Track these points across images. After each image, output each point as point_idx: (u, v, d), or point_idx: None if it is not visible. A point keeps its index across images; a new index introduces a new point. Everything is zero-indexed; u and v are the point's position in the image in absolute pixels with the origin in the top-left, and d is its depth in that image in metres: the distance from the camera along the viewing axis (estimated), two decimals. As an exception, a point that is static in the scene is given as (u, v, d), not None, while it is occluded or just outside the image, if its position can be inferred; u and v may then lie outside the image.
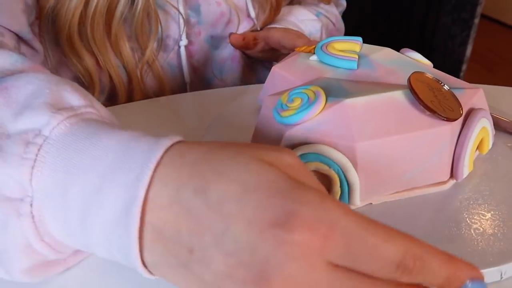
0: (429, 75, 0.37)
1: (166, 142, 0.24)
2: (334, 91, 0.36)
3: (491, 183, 0.38)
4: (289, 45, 0.62)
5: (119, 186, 0.23)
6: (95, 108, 0.29)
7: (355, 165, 0.33)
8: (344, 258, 0.21)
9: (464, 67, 1.64)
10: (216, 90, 0.60)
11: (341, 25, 0.80)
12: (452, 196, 0.36)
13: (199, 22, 0.62)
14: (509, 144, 0.43)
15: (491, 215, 0.34)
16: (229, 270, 0.21)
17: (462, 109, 0.36)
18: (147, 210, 0.23)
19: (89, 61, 0.54)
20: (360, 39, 0.43)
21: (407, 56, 0.43)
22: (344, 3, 0.83)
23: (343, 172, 0.33)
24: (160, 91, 0.62)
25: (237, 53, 0.68)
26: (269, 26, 0.68)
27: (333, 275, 0.21)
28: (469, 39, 1.58)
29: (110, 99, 0.59)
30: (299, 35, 0.64)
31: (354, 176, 0.33)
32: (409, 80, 0.35)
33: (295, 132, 0.34)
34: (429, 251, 0.22)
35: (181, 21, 0.59)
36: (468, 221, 0.34)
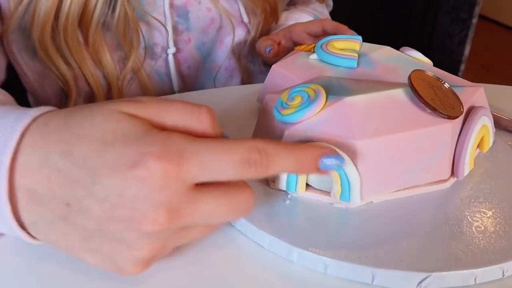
0: (429, 73, 0.37)
1: (34, 112, 0.27)
2: (335, 89, 0.36)
3: (492, 181, 0.38)
4: (317, 29, 0.59)
5: None
6: None
7: (355, 163, 0.33)
8: (203, 175, 0.25)
9: (462, 66, 1.64)
10: (215, 90, 0.59)
11: None
12: (453, 194, 0.36)
13: (188, 29, 0.60)
14: (509, 142, 0.43)
15: (493, 213, 0.34)
16: (107, 213, 0.24)
17: (462, 107, 0.36)
18: (19, 175, 0.25)
19: (65, 69, 0.54)
20: (359, 37, 0.43)
21: (407, 54, 0.43)
22: (331, 3, 0.83)
23: (343, 170, 0.33)
24: None
25: (232, 60, 0.66)
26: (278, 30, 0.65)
27: (196, 194, 0.25)
28: (467, 39, 1.59)
29: None
30: (321, 18, 0.61)
31: (354, 174, 0.33)
32: (409, 78, 0.35)
33: (296, 131, 0.34)
34: (273, 144, 0.26)
35: (166, 29, 0.58)
36: (470, 219, 0.34)
